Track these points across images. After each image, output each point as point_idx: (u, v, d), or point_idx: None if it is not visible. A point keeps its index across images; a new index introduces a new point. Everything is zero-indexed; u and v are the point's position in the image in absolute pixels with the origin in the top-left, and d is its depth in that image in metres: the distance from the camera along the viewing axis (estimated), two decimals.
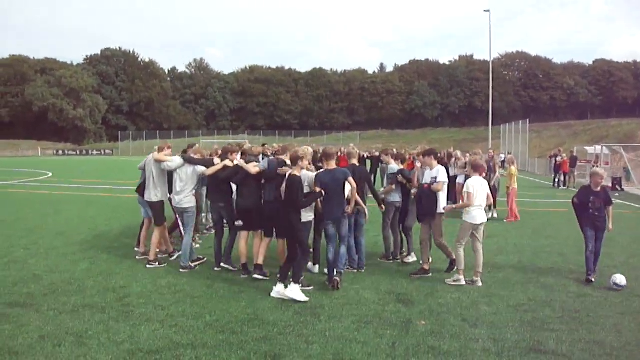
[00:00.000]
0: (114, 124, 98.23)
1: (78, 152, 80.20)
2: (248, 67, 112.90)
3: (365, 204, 8.00)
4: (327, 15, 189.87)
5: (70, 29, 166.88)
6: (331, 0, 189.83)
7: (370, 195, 8.53)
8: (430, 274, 8.01)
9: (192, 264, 8.28)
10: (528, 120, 43.75)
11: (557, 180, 25.91)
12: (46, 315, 6.09)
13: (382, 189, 9.03)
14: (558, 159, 25.99)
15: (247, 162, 7.90)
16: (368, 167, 22.40)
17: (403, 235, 9.11)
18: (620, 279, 7.35)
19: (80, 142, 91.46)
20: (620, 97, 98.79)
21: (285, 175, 7.21)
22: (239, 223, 7.93)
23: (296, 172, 7.00)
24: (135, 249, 9.44)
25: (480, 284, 7.51)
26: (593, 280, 7.65)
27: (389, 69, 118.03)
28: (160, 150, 8.53)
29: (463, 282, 7.54)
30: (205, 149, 14.16)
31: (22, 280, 7.58)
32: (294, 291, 6.72)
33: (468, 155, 18.61)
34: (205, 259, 8.73)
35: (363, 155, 24.08)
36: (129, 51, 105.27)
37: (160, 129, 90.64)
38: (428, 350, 5.20)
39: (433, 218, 8.04)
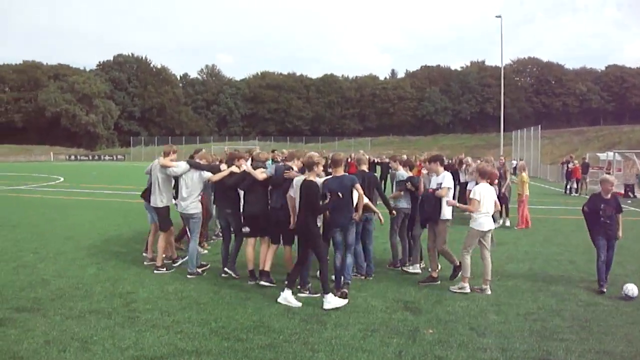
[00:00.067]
0: (126, 129, 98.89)
1: (90, 158, 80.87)
2: (259, 73, 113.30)
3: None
4: (339, 22, 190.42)
5: (83, 35, 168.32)
6: (342, 6, 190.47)
7: (380, 202, 8.49)
8: (439, 282, 7.92)
9: (199, 270, 8.27)
10: (540, 126, 43.39)
11: (568, 187, 25.68)
12: (52, 320, 6.08)
13: (390, 195, 8.99)
14: (570, 165, 25.79)
15: (254, 168, 7.88)
16: (378, 173, 22.37)
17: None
18: (632, 290, 7.20)
19: (93, 147, 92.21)
20: (633, 103, 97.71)
21: (291, 179, 7.20)
22: (246, 229, 7.89)
23: (312, 178, 6.97)
24: (144, 254, 9.45)
25: (489, 292, 7.42)
26: (605, 290, 7.52)
27: (400, 74, 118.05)
28: (165, 154, 8.49)
29: (468, 290, 7.45)
30: (218, 154, 14.21)
31: (30, 284, 7.60)
32: (287, 297, 6.74)
33: (479, 161, 18.58)
34: (209, 264, 8.72)
35: (373, 160, 24.08)
36: (142, 57, 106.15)
37: (172, 135, 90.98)
38: (435, 359, 5.13)
39: (436, 224, 7.98)
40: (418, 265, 8.66)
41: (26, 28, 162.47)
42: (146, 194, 8.96)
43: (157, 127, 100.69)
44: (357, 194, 7.32)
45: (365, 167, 8.59)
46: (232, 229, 8.37)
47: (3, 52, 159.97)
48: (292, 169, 7.57)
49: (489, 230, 7.61)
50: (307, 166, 7.08)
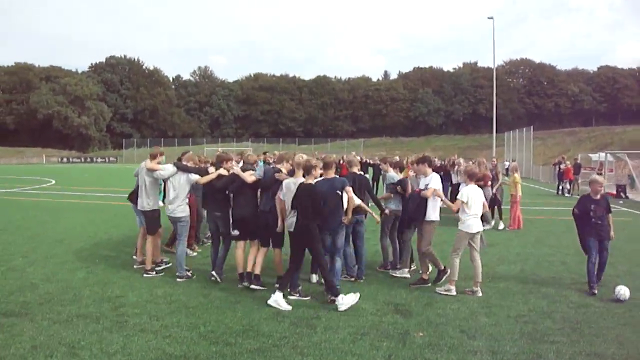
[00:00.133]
0: (118, 131, 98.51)
1: (82, 160, 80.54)
2: (252, 75, 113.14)
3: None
4: (332, 23, 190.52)
5: (75, 36, 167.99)
6: (336, 8, 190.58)
7: (372, 203, 8.48)
8: (430, 284, 7.90)
9: (188, 273, 8.19)
10: (532, 127, 43.56)
11: (561, 187, 25.76)
12: (40, 325, 6.02)
13: (380, 197, 8.97)
14: (562, 166, 25.86)
15: (243, 171, 7.83)
16: (370, 174, 22.38)
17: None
18: (624, 293, 7.16)
19: (85, 149, 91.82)
20: (625, 103, 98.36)
21: (280, 182, 7.17)
22: (235, 232, 7.84)
23: (310, 181, 6.95)
24: (134, 257, 9.38)
25: (480, 294, 7.40)
26: (596, 292, 7.50)
27: (393, 76, 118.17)
28: (152, 157, 8.41)
29: (454, 292, 7.42)
30: (210, 156, 14.13)
31: (19, 288, 7.52)
32: (277, 300, 6.70)
33: (471, 162, 18.61)
34: (171, 264, 8.70)
35: (365, 161, 24.11)
36: (134, 59, 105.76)
37: (165, 137, 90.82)
38: None
39: (421, 224, 7.97)
40: (407, 269, 8.57)
41: (18, 30, 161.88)
42: (133, 197, 8.89)
43: (150, 129, 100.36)
44: (347, 197, 7.30)
45: (356, 169, 8.57)
46: (220, 232, 8.30)
47: None
48: (281, 171, 7.54)
49: (477, 232, 7.59)
50: (306, 170, 7.04)
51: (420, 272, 8.15)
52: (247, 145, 69.08)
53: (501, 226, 13.84)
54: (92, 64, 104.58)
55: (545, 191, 27.94)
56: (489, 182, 13.97)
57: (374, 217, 8.09)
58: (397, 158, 10.96)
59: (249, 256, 7.73)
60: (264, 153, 17.10)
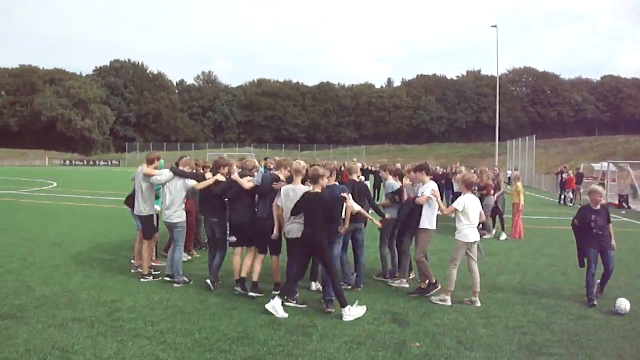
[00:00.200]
0: (121, 134, 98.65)
1: (85, 163, 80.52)
2: (255, 80, 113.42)
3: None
4: (335, 30, 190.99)
5: (80, 39, 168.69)
6: (339, 15, 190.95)
7: (372, 211, 8.44)
8: (439, 286, 7.83)
9: (185, 278, 8.15)
10: (535, 136, 43.53)
11: (563, 197, 25.67)
12: (34, 328, 5.99)
13: (378, 203, 8.94)
14: (564, 175, 25.80)
15: (240, 176, 7.77)
16: (372, 181, 22.36)
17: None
18: (624, 306, 7.07)
19: (88, 152, 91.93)
20: (628, 113, 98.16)
21: (278, 190, 7.14)
22: (232, 239, 7.79)
23: (318, 190, 6.92)
24: (132, 261, 9.34)
25: (478, 304, 7.34)
26: (596, 304, 7.42)
27: (397, 83, 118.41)
28: (149, 162, 8.35)
29: (449, 303, 7.35)
30: (211, 161, 14.08)
31: (15, 291, 7.49)
32: (275, 306, 6.64)
33: (472, 171, 18.54)
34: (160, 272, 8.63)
35: (367, 168, 24.09)
36: (138, 63, 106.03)
37: (168, 141, 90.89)
38: None
39: (416, 233, 7.94)
40: (405, 279, 8.48)
41: (23, 32, 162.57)
42: (130, 201, 8.85)
43: (153, 133, 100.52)
44: (345, 206, 7.26)
45: (355, 176, 8.52)
46: (217, 238, 8.22)
47: None
48: (280, 179, 7.50)
49: (474, 242, 7.51)
50: (313, 179, 7.01)
51: (419, 281, 8.08)
52: (249, 151, 68.95)
53: (503, 237, 13.70)
54: (96, 67, 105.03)
55: (547, 200, 27.85)
56: (491, 191, 13.92)
57: (374, 223, 8.06)
58: (399, 165, 10.87)
59: (245, 262, 7.66)
60: (265, 159, 17.08)
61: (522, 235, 13.77)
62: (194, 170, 8.79)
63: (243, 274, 7.56)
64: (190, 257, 9.92)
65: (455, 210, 7.51)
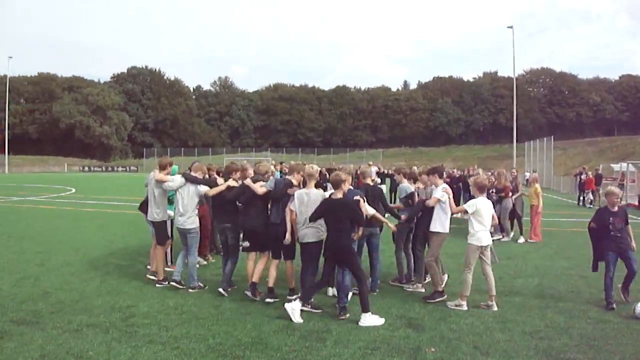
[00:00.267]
0: (139, 140, 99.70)
1: (104, 169, 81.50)
2: (272, 85, 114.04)
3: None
4: (351, 33, 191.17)
5: (98, 47, 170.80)
6: (355, 18, 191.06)
7: (388, 215, 8.38)
8: (445, 297, 7.71)
9: (200, 284, 8.15)
10: (553, 137, 43.08)
11: (582, 198, 25.33)
12: (49, 334, 6.02)
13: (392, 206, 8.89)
14: (583, 176, 25.47)
15: (254, 182, 7.74)
16: (388, 185, 22.29)
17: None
18: None
19: (106, 158, 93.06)
20: None
21: (291, 195, 7.11)
22: (246, 244, 7.77)
23: (339, 195, 6.87)
24: (148, 267, 9.37)
25: (495, 308, 7.22)
26: (614, 307, 7.26)
27: (413, 86, 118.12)
28: (161, 168, 8.34)
29: (465, 308, 7.24)
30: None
31: (32, 297, 7.55)
32: (294, 309, 6.60)
33: (490, 173, 18.37)
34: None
35: (384, 172, 24.04)
36: (155, 69, 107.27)
37: (185, 146, 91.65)
38: None
39: (429, 236, 7.88)
40: (420, 284, 8.36)
41: (41, 40, 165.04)
42: (144, 207, 8.88)
43: (170, 139, 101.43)
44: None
45: (369, 180, 8.46)
46: (229, 244, 8.17)
47: (18, 64, 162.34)
48: (293, 184, 7.47)
49: (487, 245, 7.41)
50: (335, 184, 6.97)
51: (434, 286, 7.99)
52: (266, 156, 69.25)
53: (521, 240, 13.51)
54: (114, 74, 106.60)
55: (566, 202, 27.50)
56: (509, 194, 13.77)
57: (389, 226, 8.00)
58: (415, 168, 10.78)
59: (257, 267, 7.64)
60: (281, 163, 17.10)
61: (541, 237, 13.58)
62: (206, 176, 8.79)
63: (255, 279, 7.55)
64: (206, 262, 9.93)
65: (465, 211, 7.44)
